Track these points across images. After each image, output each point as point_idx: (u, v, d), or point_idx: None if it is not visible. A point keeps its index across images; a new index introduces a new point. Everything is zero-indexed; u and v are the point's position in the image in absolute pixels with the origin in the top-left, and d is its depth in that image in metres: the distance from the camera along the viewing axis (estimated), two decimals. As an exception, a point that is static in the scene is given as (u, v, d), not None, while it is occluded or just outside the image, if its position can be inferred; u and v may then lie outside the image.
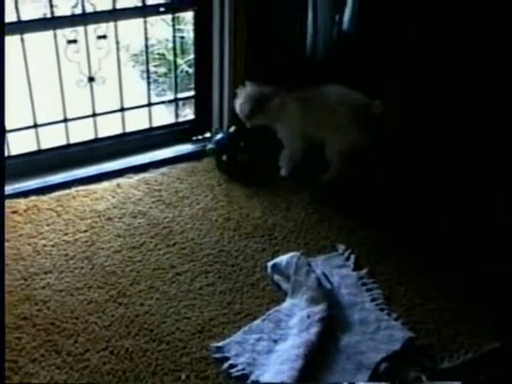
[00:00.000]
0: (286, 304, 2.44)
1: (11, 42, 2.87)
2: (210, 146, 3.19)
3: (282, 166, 3.13)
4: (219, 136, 3.17)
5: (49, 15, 3.02)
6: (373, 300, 2.47)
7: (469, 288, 2.55)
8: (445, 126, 3.14)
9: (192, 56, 3.72)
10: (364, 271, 2.60)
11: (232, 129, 3.16)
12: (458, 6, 2.97)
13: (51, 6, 2.88)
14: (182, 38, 4.02)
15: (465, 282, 2.58)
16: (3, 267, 2.13)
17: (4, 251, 2.05)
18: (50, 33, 2.92)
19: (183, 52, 4.02)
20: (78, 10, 2.92)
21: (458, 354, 2.25)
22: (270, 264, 2.58)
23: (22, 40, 2.87)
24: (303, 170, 3.13)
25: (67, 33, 2.94)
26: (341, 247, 2.71)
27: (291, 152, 3.09)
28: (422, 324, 2.40)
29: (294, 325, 2.35)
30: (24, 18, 2.85)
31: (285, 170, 3.12)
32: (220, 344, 2.29)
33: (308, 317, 2.35)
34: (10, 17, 2.82)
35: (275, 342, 2.31)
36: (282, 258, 2.56)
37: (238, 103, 3.01)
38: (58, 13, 2.93)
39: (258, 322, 2.38)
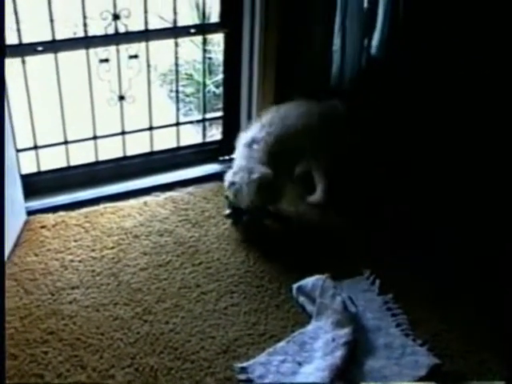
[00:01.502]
0: (311, 326, 2.44)
1: (45, 59, 2.94)
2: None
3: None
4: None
5: (79, 34, 3.08)
6: (398, 325, 2.46)
7: (495, 315, 2.54)
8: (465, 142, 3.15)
9: (219, 77, 3.77)
10: (389, 296, 2.59)
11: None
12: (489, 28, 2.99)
13: (84, 25, 2.93)
14: (210, 58, 4.07)
15: (491, 308, 2.57)
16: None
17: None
18: (82, 51, 2.98)
19: (211, 73, 4.07)
20: (111, 30, 2.97)
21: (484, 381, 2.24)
22: (295, 286, 2.58)
23: (56, 58, 2.91)
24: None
25: (99, 52, 2.99)
26: (366, 271, 2.71)
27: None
28: (448, 350, 2.38)
29: (318, 348, 2.35)
30: (55, 37, 2.89)
31: None
32: (244, 365, 2.29)
33: (333, 340, 2.34)
34: (45, 36, 2.89)
35: (299, 364, 2.31)
36: (308, 280, 2.57)
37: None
38: (90, 32, 2.98)
39: (282, 343, 2.38)
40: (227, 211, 2.94)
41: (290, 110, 2.95)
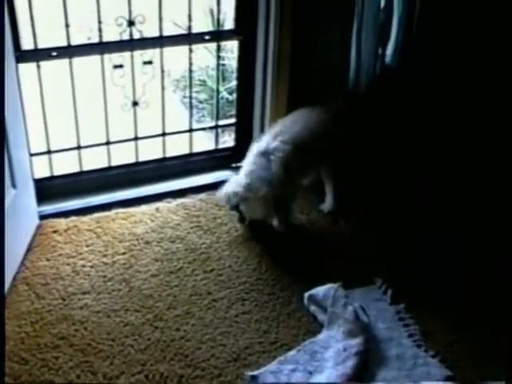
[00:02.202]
0: (322, 335, 2.43)
1: (60, 64, 2.95)
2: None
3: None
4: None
5: (93, 39, 3.09)
6: (410, 336, 2.45)
7: (508, 327, 2.52)
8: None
9: (232, 83, 3.77)
10: (401, 306, 2.58)
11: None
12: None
13: (100, 31, 2.94)
14: (223, 65, 4.07)
15: (503, 320, 2.55)
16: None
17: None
18: (97, 57, 2.98)
19: (224, 79, 4.07)
20: (126, 36, 2.98)
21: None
22: (306, 294, 2.57)
23: (71, 63, 2.92)
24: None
25: (114, 58, 3.00)
26: (378, 280, 2.69)
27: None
28: (459, 362, 2.37)
29: (329, 357, 2.33)
30: (70, 42, 2.91)
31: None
32: (255, 373, 2.27)
33: (344, 350, 2.33)
34: (60, 41, 2.90)
35: (310, 373, 2.29)
36: (319, 289, 2.56)
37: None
38: (105, 38, 2.99)
39: (293, 352, 2.37)
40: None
41: (298, 118, 2.94)
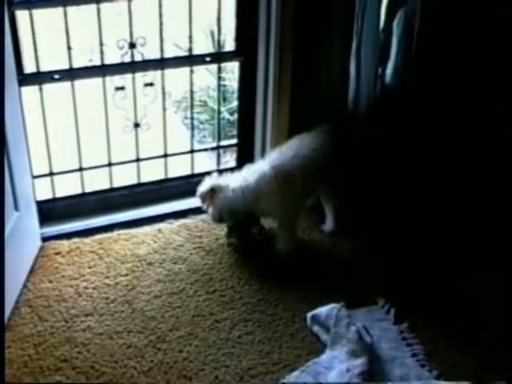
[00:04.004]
0: (325, 356, 2.42)
1: (62, 87, 2.97)
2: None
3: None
4: None
5: (95, 61, 3.11)
6: (413, 355, 2.44)
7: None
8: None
9: (233, 104, 3.79)
10: (405, 325, 2.57)
11: None
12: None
13: (101, 53, 2.96)
14: (224, 86, 4.10)
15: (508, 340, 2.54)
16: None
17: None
18: (99, 79, 3.00)
19: (225, 100, 4.09)
20: (127, 58, 3.00)
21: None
22: (309, 315, 2.57)
23: (73, 86, 2.94)
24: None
25: (116, 80, 3.02)
26: (381, 300, 2.69)
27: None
28: (464, 382, 2.35)
29: (333, 378, 2.32)
30: (72, 65, 2.93)
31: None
32: (259, 394, 2.27)
33: (348, 370, 2.32)
34: (62, 63, 2.92)
35: (314, 394, 2.29)
36: (322, 309, 2.55)
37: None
38: (107, 60, 3.02)
39: (296, 373, 2.35)
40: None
41: (292, 145, 2.92)
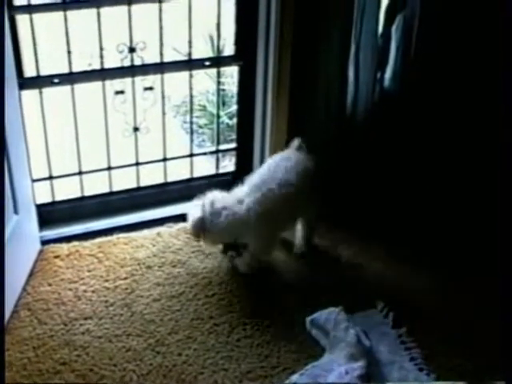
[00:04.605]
0: (324, 359, 2.43)
1: (62, 91, 2.98)
2: None
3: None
4: None
5: (94, 65, 3.12)
6: (412, 359, 2.44)
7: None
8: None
9: (232, 108, 3.80)
10: (403, 329, 2.57)
11: None
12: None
13: (101, 58, 2.97)
14: (223, 90, 4.10)
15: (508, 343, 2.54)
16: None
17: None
18: (98, 83, 3.01)
19: (224, 104, 4.10)
20: (127, 62, 3.01)
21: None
22: (308, 318, 2.57)
23: (72, 90, 2.95)
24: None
25: (115, 84, 3.03)
26: (380, 304, 2.69)
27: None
28: (462, 385, 2.36)
29: (332, 381, 2.33)
30: (72, 69, 2.94)
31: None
32: (257, 398, 2.28)
33: (346, 373, 2.32)
34: (61, 67, 2.93)
35: (313, 398, 2.29)
36: (321, 313, 2.56)
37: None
38: (106, 64, 3.02)
39: (295, 376, 2.36)
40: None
41: (273, 168, 2.83)
